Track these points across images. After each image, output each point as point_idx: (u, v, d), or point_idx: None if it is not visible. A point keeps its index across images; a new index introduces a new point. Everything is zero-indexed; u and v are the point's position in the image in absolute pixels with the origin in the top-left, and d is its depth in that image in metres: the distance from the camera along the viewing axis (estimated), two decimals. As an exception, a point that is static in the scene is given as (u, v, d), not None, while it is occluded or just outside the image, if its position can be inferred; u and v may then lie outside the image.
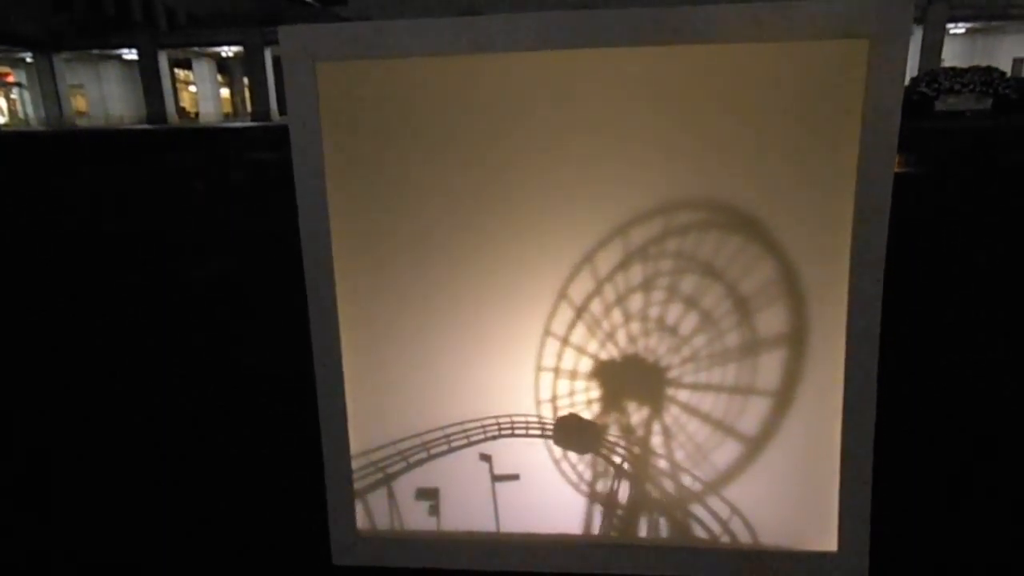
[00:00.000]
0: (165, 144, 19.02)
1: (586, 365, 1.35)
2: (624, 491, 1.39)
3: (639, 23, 1.18)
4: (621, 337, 1.33)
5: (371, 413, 1.41)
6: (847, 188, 1.21)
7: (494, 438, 1.39)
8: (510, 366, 1.36)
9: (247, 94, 41.56)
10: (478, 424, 1.39)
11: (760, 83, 1.20)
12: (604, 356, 1.34)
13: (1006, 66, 23.06)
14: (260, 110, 38.71)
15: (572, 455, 1.39)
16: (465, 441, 1.40)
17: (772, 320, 1.29)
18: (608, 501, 1.40)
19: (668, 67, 1.21)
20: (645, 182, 1.25)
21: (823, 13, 1.14)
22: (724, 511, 1.38)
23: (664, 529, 1.40)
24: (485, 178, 1.28)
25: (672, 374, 1.33)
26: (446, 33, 1.21)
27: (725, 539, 1.38)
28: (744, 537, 1.38)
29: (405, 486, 1.43)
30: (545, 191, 1.27)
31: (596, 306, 1.32)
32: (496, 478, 1.41)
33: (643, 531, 1.40)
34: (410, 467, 1.42)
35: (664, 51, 1.20)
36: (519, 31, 1.20)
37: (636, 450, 1.37)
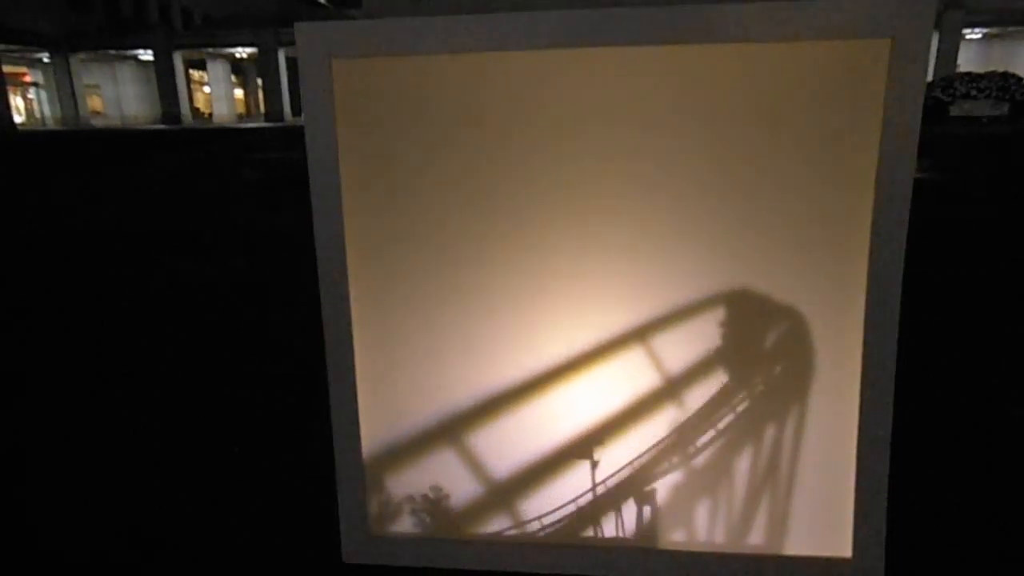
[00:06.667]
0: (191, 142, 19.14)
1: (601, 364, 1.34)
2: (638, 495, 1.38)
3: (657, 22, 1.17)
4: (637, 334, 1.32)
5: (383, 413, 1.40)
6: (867, 187, 1.20)
7: (507, 439, 1.38)
8: (524, 365, 1.35)
9: (261, 95, 41.79)
10: (492, 426, 1.38)
11: (781, 82, 1.18)
12: (620, 355, 1.33)
13: (1024, 72, 22.79)
14: (273, 111, 38.89)
15: (584, 459, 1.37)
16: (477, 443, 1.39)
17: (788, 323, 1.28)
18: (622, 505, 1.38)
19: (687, 65, 1.20)
20: (661, 180, 1.24)
21: (845, 12, 1.13)
22: (739, 516, 1.36)
23: (678, 533, 1.38)
24: (499, 175, 1.27)
25: (687, 376, 1.32)
26: (462, 30, 1.21)
27: (739, 544, 1.37)
28: (758, 542, 1.36)
29: (416, 486, 1.43)
30: (560, 188, 1.27)
31: (612, 302, 1.31)
32: (509, 480, 1.40)
33: (657, 535, 1.39)
34: (421, 467, 1.42)
35: (683, 50, 1.19)
36: (535, 29, 1.19)
37: (650, 453, 1.36)
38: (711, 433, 1.33)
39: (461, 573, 1.41)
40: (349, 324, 1.35)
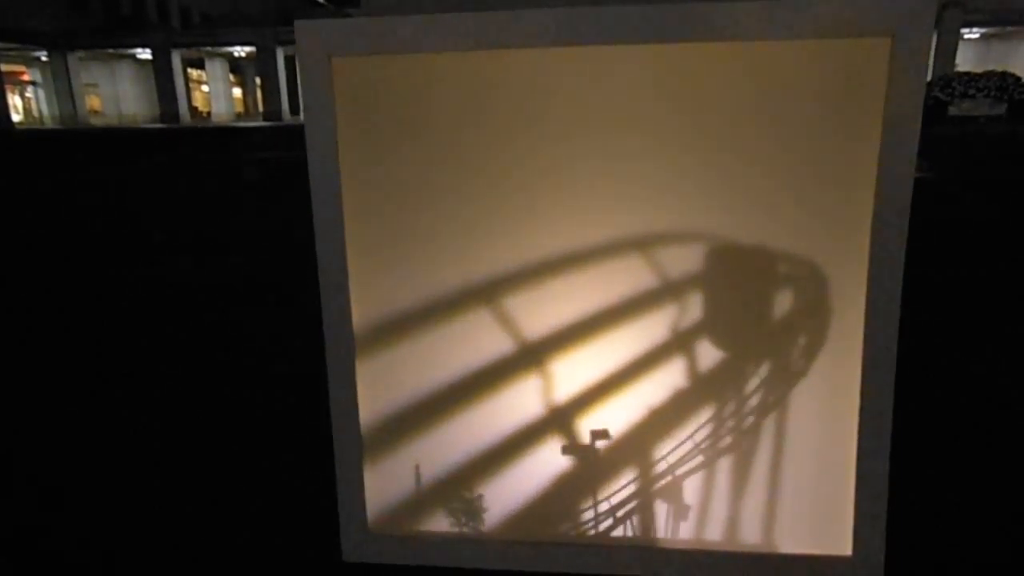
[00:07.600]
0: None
1: (599, 363, 1.34)
2: (637, 493, 1.38)
3: (658, 20, 1.17)
4: (636, 335, 1.32)
5: (383, 412, 1.40)
6: (867, 186, 1.20)
7: (506, 439, 1.38)
8: (526, 362, 1.35)
9: (259, 94, 41.73)
10: (490, 426, 1.38)
11: (781, 80, 1.18)
12: (619, 354, 1.33)
13: (1022, 71, 22.74)
14: (272, 110, 38.86)
15: (583, 456, 1.37)
16: (476, 442, 1.39)
17: (788, 321, 1.28)
18: (620, 502, 1.38)
19: (687, 64, 1.20)
20: (662, 178, 1.24)
21: (845, 11, 1.13)
22: (738, 514, 1.36)
23: (677, 531, 1.38)
24: (500, 173, 1.27)
25: (687, 375, 1.32)
26: (462, 29, 1.21)
27: (740, 542, 1.37)
28: (758, 540, 1.36)
29: (416, 485, 1.42)
30: (560, 186, 1.27)
31: (612, 302, 1.30)
32: (507, 478, 1.40)
33: (656, 533, 1.39)
34: (421, 467, 1.42)
35: (684, 48, 1.18)
36: (535, 27, 1.19)
37: (649, 453, 1.36)
38: (711, 432, 1.33)
39: (461, 572, 1.41)
40: (349, 324, 1.35)
